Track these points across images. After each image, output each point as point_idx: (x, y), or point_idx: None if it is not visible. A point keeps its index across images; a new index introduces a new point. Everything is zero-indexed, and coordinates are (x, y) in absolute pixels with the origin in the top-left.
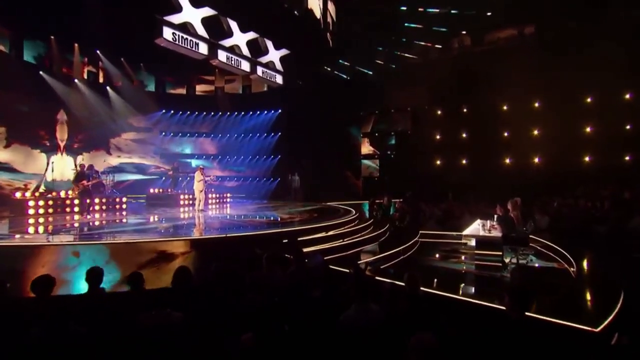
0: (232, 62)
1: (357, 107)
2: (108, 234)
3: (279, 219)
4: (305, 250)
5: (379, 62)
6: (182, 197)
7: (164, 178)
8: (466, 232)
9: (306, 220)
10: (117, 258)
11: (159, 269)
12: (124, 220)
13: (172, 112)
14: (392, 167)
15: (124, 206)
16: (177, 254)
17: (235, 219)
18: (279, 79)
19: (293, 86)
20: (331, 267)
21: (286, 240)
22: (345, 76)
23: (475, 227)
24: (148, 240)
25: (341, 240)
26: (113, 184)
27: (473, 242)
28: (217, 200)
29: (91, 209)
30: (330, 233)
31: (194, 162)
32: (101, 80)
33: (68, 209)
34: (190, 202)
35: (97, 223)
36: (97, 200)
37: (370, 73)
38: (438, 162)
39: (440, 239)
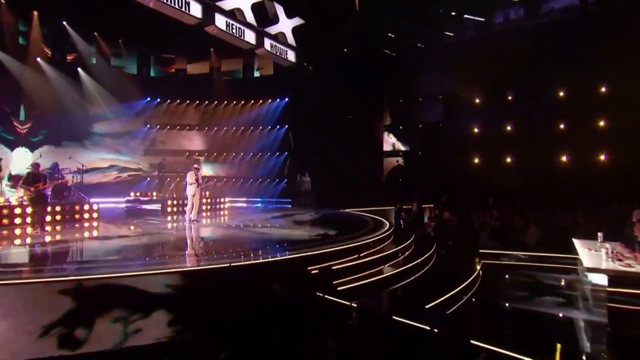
0: (234, 30)
1: (380, 95)
2: (47, 263)
3: (294, 234)
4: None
5: (406, 40)
6: (169, 202)
7: (148, 179)
8: (586, 262)
9: (328, 238)
10: (54, 306)
11: (126, 320)
12: (95, 234)
13: (158, 100)
14: (420, 166)
15: (95, 215)
16: (154, 298)
17: (239, 234)
18: (290, 56)
19: (305, 72)
20: (396, 318)
21: (316, 271)
22: (366, 59)
23: (594, 254)
24: (110, 276)
25: (382, 267)
26: (82, 186)
27: (596, 279)
28: (213, 207)
29: (42, 219)
30: (364, 257)
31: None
32: (69, 59)
33: (18, 220)
34: (181, 209)
35: (45, 240)
36: (58, 208)
37: (394, 55)
38: (476, 160)
39: (503, 261)
